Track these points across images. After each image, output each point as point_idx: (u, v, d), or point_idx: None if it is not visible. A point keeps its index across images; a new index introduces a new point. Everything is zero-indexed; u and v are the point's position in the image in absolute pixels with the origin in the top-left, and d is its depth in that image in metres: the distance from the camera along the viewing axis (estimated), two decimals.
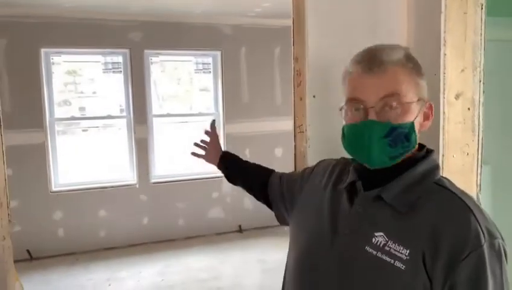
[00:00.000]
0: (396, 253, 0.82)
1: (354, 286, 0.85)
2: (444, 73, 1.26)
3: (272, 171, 1.34)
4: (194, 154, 1.52)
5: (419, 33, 1.29)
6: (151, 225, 4.73)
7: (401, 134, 0.85)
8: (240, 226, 5.05)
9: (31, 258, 4.29)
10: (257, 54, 4.98)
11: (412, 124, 0.87)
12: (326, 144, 1.24)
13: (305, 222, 1.02)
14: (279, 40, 4.99)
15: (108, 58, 4.61)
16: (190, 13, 4.45)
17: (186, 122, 5.13)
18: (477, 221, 0.81)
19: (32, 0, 3.75)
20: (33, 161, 4.28)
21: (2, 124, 1.11)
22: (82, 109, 4.65)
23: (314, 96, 1.25)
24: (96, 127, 4.71)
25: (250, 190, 1.36)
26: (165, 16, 4.48)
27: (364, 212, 0.89)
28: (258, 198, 1.33)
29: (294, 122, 1.32)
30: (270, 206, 1.28)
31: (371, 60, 0.86)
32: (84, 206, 4.50)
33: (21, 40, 4.14)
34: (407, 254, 0.81)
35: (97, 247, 4.51)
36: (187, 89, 5.02)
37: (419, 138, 0.90)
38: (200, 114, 5.11)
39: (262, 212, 5.50)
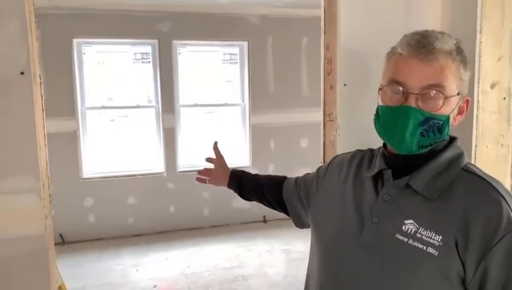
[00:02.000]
0: (429, 239, 0.83)
1: (386, 275, 0.86)
2: (480, 61, 1.23)
3: (285, 177, 1.34)
4: (198, 179, 1.49)
5: (454, 19, 1.26)
6: (178, 213, 4.82)
7: (435, 125, 0.85)
8: (264, 216, 5.09)
9: (63, 242, 4.46)
10: (284, 44, 4.96)
11: (448, 117, 0.87)
12: (356, 132, 1.24)
13: (327, 217, 1.02)
14: (307, 30, 4.94)
15: (137, 49, 4.70)
16: (218, 3, 4.47)
17: (213, 112, 5.17)
18: (509, 205, 0.81)
19: None
20: (66, 148, 4.43)
21: (44, 108, 1.17)
22: (110, 98, 4.76)
23: (345, 85, 1.25)
24: (125, 116, 4.82)
25: (265, 200, 1.34)
26: (193, 6, 4.51)
27: (392, 201, 0.89)
28: (273, 206, 1.33)
29: (324, 111, 1.32)
30: (286, 211, 1.29)
31: (423, 45, 0.85)
32: (113, 194, 4.63)
33: (55, 31, 4.26)
34: (439, 240, 0.82)
35: (125, 233, 4.65)
36: (213, 80, 5.06)
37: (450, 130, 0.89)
38: (226, 104, 5.15)
39: None
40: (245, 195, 1.40)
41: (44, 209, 1.12)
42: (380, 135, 0.93)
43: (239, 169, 1.46)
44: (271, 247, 4.37)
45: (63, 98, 4.36)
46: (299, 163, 5.11)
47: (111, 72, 4.69)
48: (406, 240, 0.85)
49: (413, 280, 0.83)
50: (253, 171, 4.86)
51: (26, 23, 1.06)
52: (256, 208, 5.06)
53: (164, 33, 4.59)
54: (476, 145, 1.26)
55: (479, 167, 0.92)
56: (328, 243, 0.98)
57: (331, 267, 0.95)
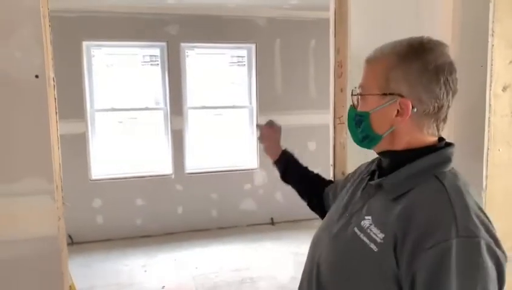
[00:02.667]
0: (374, 236, 0.87)
1: (339, 263, 0.93)
2: (492, 64, 1.22)
3: (330, 181, 1.40)
4: (260, 137, 1.58)
5: (466, 23, 1.26)
6: (186, 214, 4.84)
7: (357, 120, 0.97)
8: (271, 218, 5.09)
9: (72, 243, 4.49)
10: (292, 47, 4.97)
11: (366, 113, 0.94)
12: None
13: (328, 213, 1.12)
14: (314, 32, 4.95)
15: (146, 51, 4.73)
16: (226, 6, 4.48)
17: (220, 114, 5.19)
18: (455, 215, 0.79)
19: None
20: (75, 149, 4.46)
21: (57, 111, 1.19)
22: (119, 101, 4.79)
23: (355, 88, 1.25)
24: (133, 118, 4.85)
25: (305, 195, 1.41)
26: (201, 9, 4.53)
27: (366, 199, 0.97)
28: (312, 207, 1.39)
29: (334, 114, 1.32)
30: (320, 209, 1.34)
31: (372, 52, 0.96)
32: (121, 195, 4.66)
33: (64, 34, 4.30)
34: (381, 238, 0.85)
35: (134, 234, 4.67)
36: (221, 82, 5.08)
37: (405, 134, 0.93)
38: (233, 106, 5.16)
39: (294, 205, 5.49)
40: (287, 176, 1.46)
41: (57, 211, 1.14)
42: None
43: (291, 153, 1.52)
44: (279, 249, 4.37)
45: (72, 100, 4.40)
46: (307, 165, 5.09)
47: (120, 74, 4.72)
48: (358, 233, 0.91)
49: (356, 272, 0.89)
50: (261, 174, 4.82)
51: (41, 27, 1.07)
52: (264, 210, 5.06)
53: (173, 36, 4.61)
54: (488, 149, 1.25)
55: (491, 170, 0.91)
56: (312, 240, 1.07)
57: (308, 259, 1.05)
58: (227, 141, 5.13)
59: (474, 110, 1.30)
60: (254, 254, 4.27)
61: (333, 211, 1.07)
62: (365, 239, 0.88)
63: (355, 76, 1.25)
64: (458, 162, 0.93)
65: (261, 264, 4.05)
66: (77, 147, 4.48)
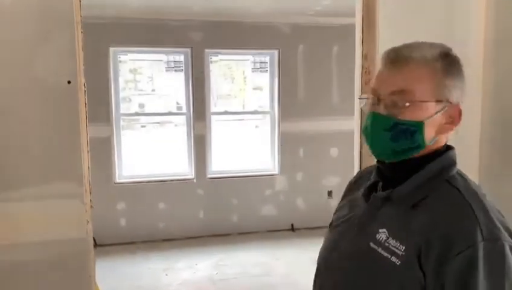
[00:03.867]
0: (394, 249, 0.84)
1: (358, 281, 0.88)
2: None
3: None
4: None
5: (499, 25, 1.22)
6: (207, 219, 4.86)
7: (404, 130, 0.86)
8: (292, 225, 5.05)
9: (96, 245, 4.57)
10: (315, 53, 4.95)
11: (420, 123, 0.86)
12: None
13: (330, 229, 1.06)
14: (338, 38, 4.92)
15: (171, 57, 4.80)
16: (249, 13, 4.51)
17: (242, 119, 5.21)
18: (478, 220, 0.79)
19: (102, 1, 3.99)
20: (100, 153, 4.54)
21: (87, 116, 1.22)
22: (141, 105, 4.87)
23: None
24: (157, 123, 4.92)
25: None
26: (225, 15, 4.57)
27: (374, 211, 0.92)
28: None
29: (361, 121, 1.31)
30: None
31: (394, 54, 0.89)
32: (144, 198, 4.72)
33: (92, 40, 4.40)
34: (403, 250, 0.83)
35: (156, 238, 4.72)
36: (244, 88, 5.10)
37: (450, 140, 0.90)
38: (255, 112, 5.17)
39: (315, 211, 5.47)
40: None
41: (86, 214, 1.16)
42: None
43: None
44: (299, 256, 4.33)
45: (98, 104, 4.49)
46: (329, 172, 5.06)
47: (145, 79, 4.81)
48: (376, 248, 0.87)
49: (377, 288, 0.85)
50: (282, 179, 4.81)
51: (74, 34, 1.10)
52: (284, 216, 5.04)
53: (197, 42, 4.67)
54: None
55: None
56: (320, 254, 1.02)
57: (318, 278, 1.01)
58: (248, 146, 5.14)
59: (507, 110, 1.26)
60: (274, 260, 4.25)
61: (337, 229, 1.01)
62: (384, 253, 0.85)
63: None
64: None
65: (281, 270, 4.02)
66: (102, 150, 4.56)
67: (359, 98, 0.96)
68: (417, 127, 0.86)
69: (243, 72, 5.09)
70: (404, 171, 0.89)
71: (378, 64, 1.25)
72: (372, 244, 0.87)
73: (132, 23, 4.48)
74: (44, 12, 1.09)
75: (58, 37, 1.10)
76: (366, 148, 1.37)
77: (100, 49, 4.45)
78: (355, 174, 1.27)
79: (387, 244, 0.85)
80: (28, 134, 1.15)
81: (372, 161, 1.29)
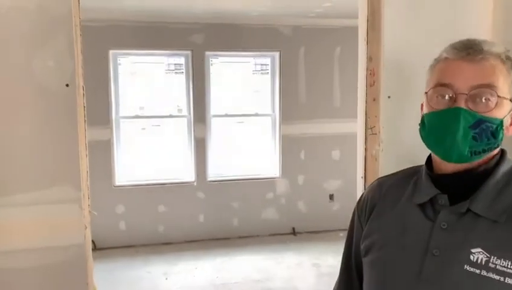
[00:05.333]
0: (505, 269, 0.75)
1: None
2: None
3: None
4: None
5: (508, 29, 1.20)
6: (207, 222, 4.82)
7: (488, 129, 0.79)
8: (293, 228, 5.02)
9: (95, 248, 4.53)
10: (316, 55, 4.93)
11: (502, 121, 0.80)
12: (401, 147, 1.19)
13: (379, 249, 0.90)
14: (339, 40, 4.90)
15: (171, 60, 4.77)
16: (250, 15, 4.49)
17: (242, 122, 5.18)
18: None
19: (101, 4, 3.97)
20: (100, 156, 4.52)
21: (86, 119, 1.19)
22: (144, 108, 4.85)
23: (389, 97, 1.20)
24: (157, 125, 4.89)
25: None
26: (225, 18, 4.55)
27: (452, 228, 0.81)
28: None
29: (366, 124, 1.28)
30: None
31: (470, 46, 0.81)
32: (144, 202, 4.69)
33: (92, 42, 4.38)
34: None
35: (156, 241, 4.68)
36: (244, 90, 5.07)
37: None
38: (256, 114, 5.14)
39: (316, 215, 5.43)
40: None
41: (84, 220, 1.13)
42: (426, 143, 0.86)
43: None
44: (300, 260, 4.29)
45: (98, 107, 4.46)
46: (330, 175, 5.03)
47: (145, 82, 4.78)
48: (477, 271, 0.76)
49: None
50: (283, 183, 4.79)
51: (73, 36, 1.08)
52: (285, 220, 5.00)
53: (197, 44, 4.65)
54: None
55: None
56: (383, 279, 0.88)
57: None
58: (249, 149, 5.11)
59: None
60: (275, 264, 4.21)
61: (389, 246, 0.87)
62: (493, 275, 0.75)
63: (389, 84, 1.20)
64: None
65: (282, 275, 3.98)
66: (102, 153, 4.54)
67: (427, 92, 0.83)
68: (500, 126, 0.80)
69: (244, 74, 5.06)
70: (470, 178, 0.81)
71: (384, 65, 1.22)
72: (469, 268, 0.77)
73: (132, 26, 4.46)
74: (42, 15, 1.06)
75: (57, 39, 1.07)
76: (371, 153, 1.35)
77: (100, 52, 4.43)
78: (362, 180, 1.23)
79: (492, 265, 0.75)
80: (24, 137, 1.12)
81: (377, 165, 1.26)
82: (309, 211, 5.02)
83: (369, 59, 1.26)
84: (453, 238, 0.81)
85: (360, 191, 1.36)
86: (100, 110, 4.48)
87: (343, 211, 5.01)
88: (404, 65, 1.18)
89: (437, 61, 0.87)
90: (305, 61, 4.93)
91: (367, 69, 1.28)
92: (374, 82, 1.24)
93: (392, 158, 1.16)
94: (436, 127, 0.82)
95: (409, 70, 1.16)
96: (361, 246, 0.95)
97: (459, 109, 0.79)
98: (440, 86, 0.82)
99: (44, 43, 1.08)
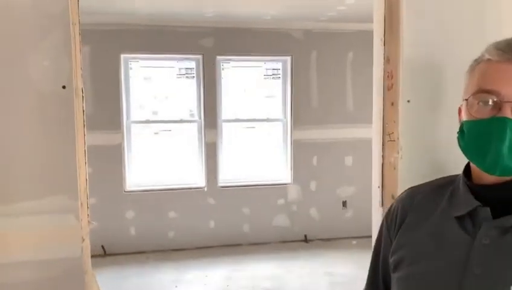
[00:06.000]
0: None
1: None
2: None
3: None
4: None
5: None
6: (218, 228, 4.76)
7: None
8: (305, 235, 4.91)
9: (105, 254, 4.50)
10: (328, 59, 4.84)
11: None
12: (422, 154, 1.10)
13: (407, 269, 0.83)
14: (352, 44, 4.81)
15: (182, 64, 4.74)
16: (261, 19, 4.43)
17: (253, 127, 5.12)
18: None
19: (112, 8, 3.95)
20: (110, 161, 4.50)
21: (85, 124, 1.13)
22: (155, 112, 4.82)
23: (408, 101, 1.12)
24: (168, 130, 4.85)
25: None
26: (236, 22, 4.51)
27: (495, 245, 0.73)
28: None
29: (383, 130, 1.19)
30: None
31: None
32: (154, 207, 4.64)
33: (103, 47, 4.38)
34: None
35: (166, 247, 4.63)
36: (255, 94, 5.01)
37: None
38: (268, 119, 5.07)
39: (329, 222, 5.33)
40: None
41: (81, 231, 1.07)
42: (466, 154, 0.79)
43: None
44: (312, 269, 4.19)
45: (109, 111, 4.45)
46: (343, 181, 4.92)
47: (156, 86, 4.75)
48: None
49: None
50: (295, 189, 4.68)
51: (69, 34, 1.02)
52: (297, 227, 4.91)
53: (208, 49, 4.61)
54: None
55: None
56: None
57: None
58: (260, 154, 5.04)
59: None
60: (286, 272, 4.11)
61: (424, 261, 0.79)
62: None
63: (409, 88, 1.12)
64: None
65: (294, 283, 3.89)
66: (113, 158, 4.51)
67: (467, 99, 0.76)
68: None
69: (255, 79, 5.00)
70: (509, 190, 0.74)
71: (403, 67, 1.14)
72: None
73: (143, 30, 4.44)
74: (37, 11, 1.00)
75: (51, 37, 1.01)
76: (389, 161, 1.26)
77: (111, 56, 4.42)
78: (379, 189, 1.14)
79: None
80: (15, 143, 1.05)
81: (395, 174, 1.18)
82: (321, 218, 4.91)
83: (387, 60, 1.17)
84: (496, 255, 0.73)
85: (376, 201, 1.27)
86: (111, 114, 4.46)
87: (357, 218, 4.90)
88: (426, 66, 1.09)
89: (477, 62, 0.78)
90: (317, 66, 4.85)
91: (384, 72, 1.19)
92: (392, 85, 1.15)
93: (412, 166, 1.07)
94: (478, 137, 0.75)
95: (431, 72, 1.08)
96: (390, 260, 0.87)
97: (506, 119, 0.71)
98: (483, 92, 0.74)
99: (38, 41, 1.02)
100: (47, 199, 1.05)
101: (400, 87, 1.12)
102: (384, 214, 0.94)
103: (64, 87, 1.03)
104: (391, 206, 0.92)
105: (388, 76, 1.17)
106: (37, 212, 1.04)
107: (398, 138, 1.12)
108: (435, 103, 1.01)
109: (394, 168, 1.13)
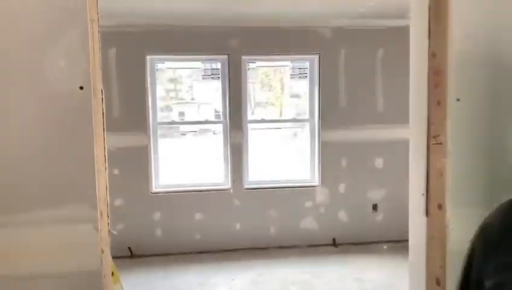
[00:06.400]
0: None
1: None
2: None
3: None
4: None
5: None
6: (244, 231, 4.68)
7: None
8: (334, 239, 4.77)
9: (132, 255, 4.50)
10: (358, 57, 4.69)
11: None
12: (474, 160, 0.98)
13: None
14: (382, 42, 4.64)
15: (208, 65, 4.70)
16: (288, 17, 4.33)
17: (279, 128, 5.03)
18: None
19: (136, 10, 3.94)
20: (137, 162, 4.50)
21: (105, 128, 1.06)
22: (181, 114, 4.80)
23: (458, 100, 1.00)
24: (194, 131, 4.83)
25: None
26: (262, 21, 4.42)
27: None
28: None
29: (428, 132, 1.07)
30: None
31: None
32: (181, 209, 4.62)
33: (128, 48, 4.38)
34: None
35: (192, 249, 4.59)
36: (282, 95, 4.91)
37: None
38: (294, 120, 4.96)
39: (359, 226, 5.16)
40: None
41: (100, 242, 1.00)
42: None
43: None
44: (342, 274, 4.05)
45: (135, 113, 4.45)
46: (374, 184, 4.75)
47: (182, 87, 4.73)
48: None
49: None
50: (322, 191, 4.54)
51: (87, 32, 0.95)
52: (325, 230, 4.77)
53: (234, 49, 4.54)
54: None
55: None
56: None
57: None
58: (287, 155, 4.94)
59: None
60: (314, 277, 3.98)
61: None
62: None
63: (459, 85, 1.00)
64: None
65: (322, 289, 3.76)
66: (139, 159, 4.52)
67: None
68: None
69: (281, 78, 4.90)
70: None
71: (452, 62, 1.02)
72: None
73: (168, 31, 4.42)
74: (53, 9, 0.94)
75: (68, 36, 0.95)
76: (435, 166, 1.14)
77: (137, 58, 4.42)
78: (423, 197, 1.02)
79: None
80: (30, 147, 1.00)
81: (442, 180, 1.06)
82: (351, 222, 4.76)
83: (432, 55, 1.06)
84: None
85: (418, 210, 1.16)
86: (138, 116, 4.46)
87: (387, 222, 4.72)
88: (478, 61, 0.97)
89: None
90: (346, 64, 4.70)
91: (429, 68, 1.07)
92: (439, 82, 1.03)
93: (462, 173, 0.95)
94: None
95: (484, 67, 0.96)
96: (486, 283, 0.76)
97: None
98: None
99: (54, 40, 0.95)
100: (64, 208, 0.99)
101: (448, 85, 1.00)
102: (479, 228, 0.80)
103: (81, 88, 0.96)
104: (487, 219, 0.79)
105: (434, 72, 1.05)
106: (53, 222, 0.98)
107: (445, 141, 1.00)
108: (489, 101, 0.89)
109: (441, 175, 1.01)
